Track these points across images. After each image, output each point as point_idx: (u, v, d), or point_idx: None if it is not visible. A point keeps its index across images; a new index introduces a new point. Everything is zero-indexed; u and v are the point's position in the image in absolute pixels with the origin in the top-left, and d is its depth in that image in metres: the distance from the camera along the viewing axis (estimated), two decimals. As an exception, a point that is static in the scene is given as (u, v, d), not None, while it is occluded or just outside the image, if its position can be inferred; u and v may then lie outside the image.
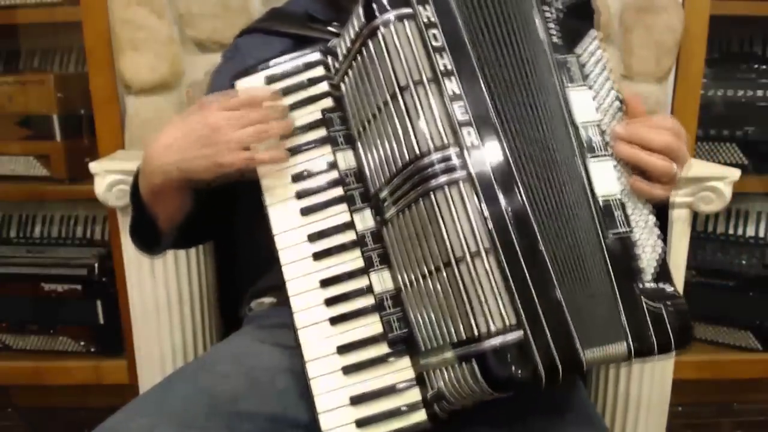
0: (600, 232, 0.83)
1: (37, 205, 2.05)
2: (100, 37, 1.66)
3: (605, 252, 0.83)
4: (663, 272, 0.86)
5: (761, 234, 1.98)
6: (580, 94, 0.87)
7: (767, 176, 1.90)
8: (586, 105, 0.87)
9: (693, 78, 1.75)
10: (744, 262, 1.94)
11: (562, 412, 0.96)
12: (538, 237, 0.77)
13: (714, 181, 1.54)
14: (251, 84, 0.93)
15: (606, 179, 0.85)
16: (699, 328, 1.97)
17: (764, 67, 1.92)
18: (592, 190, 0.84)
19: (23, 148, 1.89)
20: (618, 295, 0.82)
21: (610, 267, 0.82)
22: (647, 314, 0.82)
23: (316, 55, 0.91)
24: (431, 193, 0.76)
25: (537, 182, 0.80)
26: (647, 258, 0.85)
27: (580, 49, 0.89)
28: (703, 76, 1.78)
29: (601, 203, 0.84)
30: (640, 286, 0.84)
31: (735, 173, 1.56)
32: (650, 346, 0.81)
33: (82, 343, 1.92)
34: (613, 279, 0.82)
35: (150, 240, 1.05)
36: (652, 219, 0.87)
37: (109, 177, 1.52)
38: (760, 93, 1.86)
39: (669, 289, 0.85)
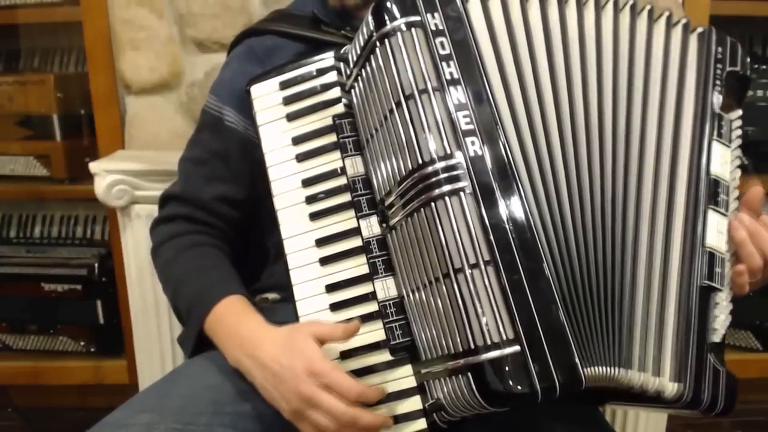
0: (699, 272, 0.84)
1: (37, 205, 2.05)
2: (100, 37, 1.65)
3: (695, 292, 0.83)
4: (724, 343, 0.86)
5: (761, 234, 1.97)
6: (722, 149, 0.89)
7: (767, 176, 1.90)
8: (724, 161, 0.89)
9: (693, 78, 1.74)
10: (744, 261, 1.93)
11: (565, 409, 0.95)
12: (542, 250, 0.76)
13: (714, 181, 1.54)
14: (265, 89, 0.93)
15: (719, 233, 0.86)
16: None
17: (764, 67, 1.92)
18: (703, 235, 0.85)
19: (23, 148, 1.89)
20: (694, 336, 0.82)
21: (695, 308, 0.83)
22: (709, 367, 0.82)
23: (329, 61, 0.91)
24: (432, 202, 0.75)
25: (551, 196, 0.80)
26: (721, 323, 0.85)
27: (731, 117, 0.91)
28: (704, 76, 1.77)
29: (707, 250, 0.84)
30: (709, 341, 0.83)
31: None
32: (701, 398, 0.81)
33: (82, 343, 1.93)
34: (695, 320, 0.82)
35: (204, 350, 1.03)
36: (730, 296, 0.87)
37: (109, 177, 1.52)
38: (760, 93, 1.85)
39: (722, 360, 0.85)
